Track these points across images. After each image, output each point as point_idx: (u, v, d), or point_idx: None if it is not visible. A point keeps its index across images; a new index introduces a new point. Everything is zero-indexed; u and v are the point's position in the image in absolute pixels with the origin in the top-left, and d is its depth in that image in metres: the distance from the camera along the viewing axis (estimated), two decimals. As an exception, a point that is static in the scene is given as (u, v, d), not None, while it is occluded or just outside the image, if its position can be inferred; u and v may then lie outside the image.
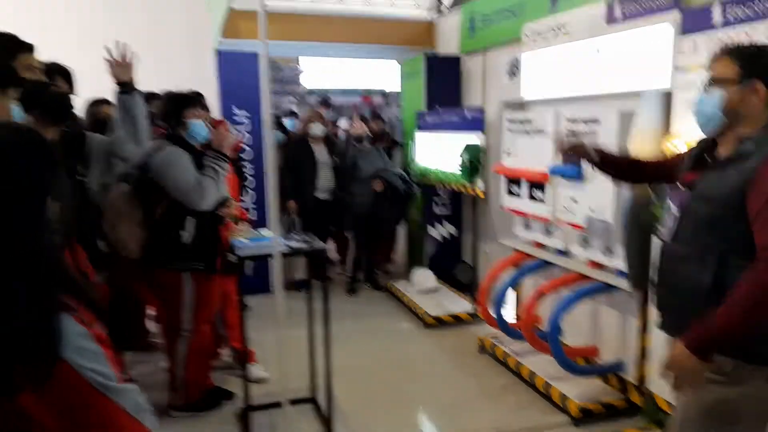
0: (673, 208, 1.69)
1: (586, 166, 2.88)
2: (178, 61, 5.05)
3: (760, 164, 1.47)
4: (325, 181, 5.11)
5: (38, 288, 0.95)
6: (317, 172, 5.05)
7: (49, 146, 1.04)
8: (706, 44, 2.39)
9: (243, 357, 3.09)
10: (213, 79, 4.91)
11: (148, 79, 4.19)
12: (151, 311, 3.89)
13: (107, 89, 2.52)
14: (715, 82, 1.57)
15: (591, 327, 3.41)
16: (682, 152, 1.85)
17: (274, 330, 2.60)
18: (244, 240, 2.89)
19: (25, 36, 2.08)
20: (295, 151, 5.10)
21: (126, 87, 2.47)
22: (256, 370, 3.48)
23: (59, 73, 2.40)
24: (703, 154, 1.68)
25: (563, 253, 3.33)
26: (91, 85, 3.01)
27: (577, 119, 2.97)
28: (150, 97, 4.01)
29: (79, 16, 5.44)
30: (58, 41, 5.30)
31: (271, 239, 2.58)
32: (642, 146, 2.64)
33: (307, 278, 3.45)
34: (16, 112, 1.69)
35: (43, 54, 2.21)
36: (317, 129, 5.07)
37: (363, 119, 5.29)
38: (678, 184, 1.70)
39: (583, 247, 3.10)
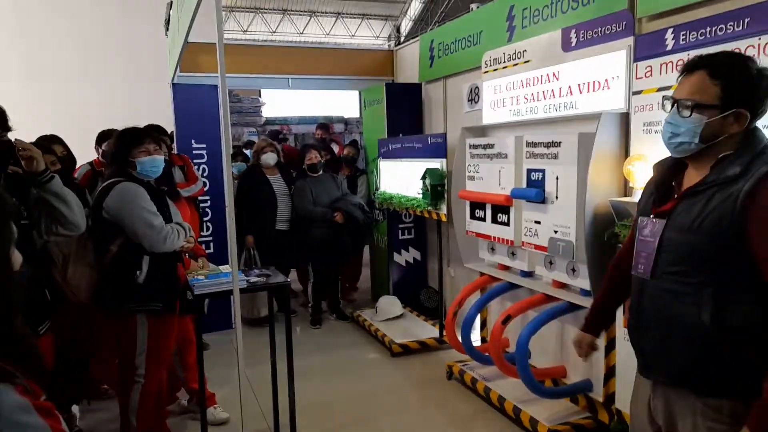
0: (646, 241, 1.56)
1: (548, 189, 2.97)
2: (142, 96, 4.95)
3: (755, 188, 1.35)
4: (283, 212, 5.00)
5: None
6: (275, 202, 4.95)
7: None
8: (662, 68, 2.48)
9: (202, 400, 2.94)
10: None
11: (112, 111, 4.09)
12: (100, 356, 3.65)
13: (62, 126, 2.36)
14: (692, 105, 1.44)
15: (558, 348, 3.42)
16: (641, 202, 1.70)
17: (236, 368, 2.49)
18: (201, 277, 2.80)
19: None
20: (250, 183, 4.96)
21: (44, 175, 2.28)
22: (216, 412, 3.33)
23: None
24: (670, 181, 1.59)
25: (528, 274, 3.35)
26: (44, 119, 2.87)
27: (539, 143, 3.02)
28: (105, 136, 3.91)
29: (37, 44, 5.28)
30: (8, 70, 5.13)
31: (229, 275, 2.49)
32: (602, 168, 2.70)
33: (269, 312, 3.35)
34: None
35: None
36: (270, 158, 4.98)
37: (315, 148, 5.24)
38: (650, 216, 1.58)
39: (548, 268, 3.13)
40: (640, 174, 2.49)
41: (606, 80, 2.82)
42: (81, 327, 2.92)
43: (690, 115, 1.45)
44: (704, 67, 1.44)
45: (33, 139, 3.17)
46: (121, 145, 2.72)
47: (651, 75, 2.53)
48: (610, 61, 2.79)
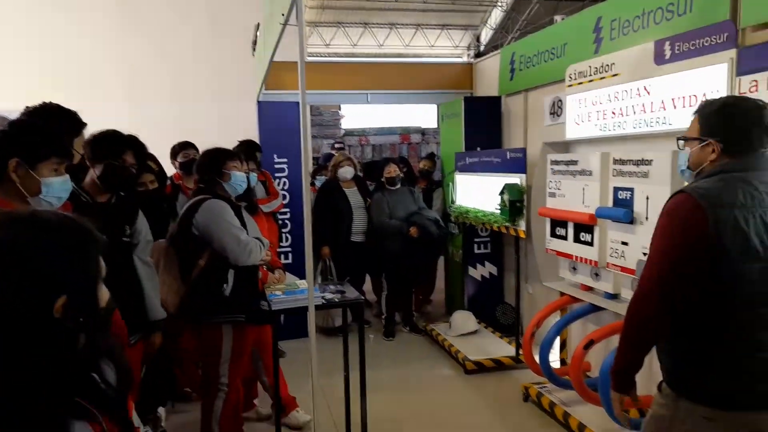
0: None
1: (637, 209, 2.81)
2: (230, 113, 5.19)
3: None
4: (359, 224, 5.07)
5: (47, 395, 0.85)
6: (351, 215, 5.03)
7: (72, 235, 0.93)
8: None
9: (278, 406, 3.03)
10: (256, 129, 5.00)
11: (201, 129, 4.26)
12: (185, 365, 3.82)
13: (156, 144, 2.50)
14: (684, 139, 1.75)
15: (646, 375, 3.20)
16: None
17: (309, 378, 2.53)
18: (278, 293, 2.88)
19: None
20: (327, 196, 5.07)
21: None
22: (299, 415, 3.45)
23: (131, 146, 2.45)
24: None
25: (613, 297, 3.18)
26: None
27: (627, 160, 2.87)
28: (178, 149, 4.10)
29: (135, 66, 5.65)
30: (109, 94, 5.52)
31: (306, 291, 2.53)
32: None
33: (343, 324, 3.40)
34: (59, 183, 1.77)
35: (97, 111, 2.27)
36: (347, 172, 5.07)
37: (395, 161, 5.26)
38: None
39: (636, 292, 2.95)
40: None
41: (704, 95, 2.64)
42: (167, 337, 3.07)
43: (683, 148, 1.76)
44: (697, 112, 1.72)
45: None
46: (215, 160, 2.84)
47: (757, 90, 2.34)
48: (710, 75, 2.61)
